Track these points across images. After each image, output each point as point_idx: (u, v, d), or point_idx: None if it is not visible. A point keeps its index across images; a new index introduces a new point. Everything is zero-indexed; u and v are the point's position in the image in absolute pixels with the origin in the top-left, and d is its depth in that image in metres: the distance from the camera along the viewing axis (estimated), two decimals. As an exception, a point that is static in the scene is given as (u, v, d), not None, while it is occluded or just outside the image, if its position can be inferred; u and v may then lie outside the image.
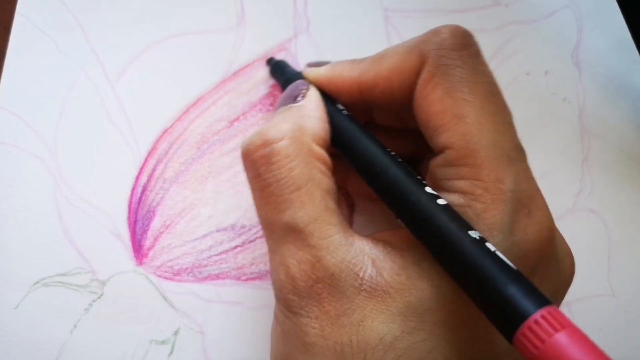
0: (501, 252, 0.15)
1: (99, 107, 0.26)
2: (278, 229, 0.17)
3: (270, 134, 0.17)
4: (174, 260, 0.25)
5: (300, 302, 0.16)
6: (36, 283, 0.23)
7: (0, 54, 0.26)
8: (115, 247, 0.24)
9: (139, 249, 0.24)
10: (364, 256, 0.16)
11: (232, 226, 0.25)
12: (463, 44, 0.17)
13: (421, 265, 0.16)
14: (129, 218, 0.25)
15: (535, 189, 0.17)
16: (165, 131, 0.26)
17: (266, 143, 0.17)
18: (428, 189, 0.16)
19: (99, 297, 0.24)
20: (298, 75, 0.22)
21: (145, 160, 0.25)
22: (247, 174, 0.18)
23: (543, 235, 0.17)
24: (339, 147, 0.19)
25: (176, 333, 0.24)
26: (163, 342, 0.24)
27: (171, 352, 0.23)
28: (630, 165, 0.29)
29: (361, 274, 0.16)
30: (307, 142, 0.18)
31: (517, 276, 0.14)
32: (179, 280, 0.24)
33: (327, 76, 0.21)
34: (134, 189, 0.25)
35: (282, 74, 0.24)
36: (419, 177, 0.17)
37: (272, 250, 0.17)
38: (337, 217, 0.17)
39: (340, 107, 0.20)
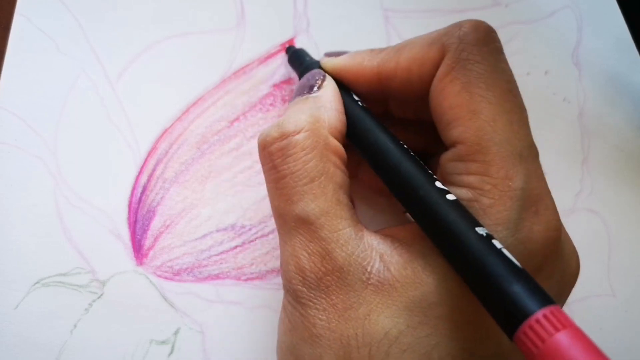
0: (506, 249, 0.15)
1: (99, 107, 0.26)
2: (290, 220, 0.17)
3: (288, 126, 0.18)
4: (174, 260, 0.25)
5: (309, 293, 0.16)
6: (36, 283, 0.23)
7: (0, 53, 0.26)
8: (115, 247, 0.24)
9: (139, 249, 0.24)
10: (372, 251, 0.17)
11: (232, 226, 0.25)
12: (485, 40, 0.17)
13: (427, 260, 0.16)
14: (129, 218, 0.25)
15: (544, 188, 0.17)
16: (165, 131, 0.26)
17: (283, 135, 0.17)
18: (438, 184, 0.17)
19: (99, 297, 0.24)
20: (316, 64, 0.22)
21: (145, 160, 0.25)
22: (263, 165, 0.18)
23: (549, 234, 0.17)
24: (353, 138, 0.19)
25: (176, 333, 0.24)
26: (163, 342, 0.24)
27: (171, 352, 0.23)
28: (631, 165, 0.29)
29: (369, 268, 0.16)
30: (324, 135, 0.18)
31: (522, 274, 0.14)
32: (179, 280, 0.24)
33: (345, 65, 0.21)
34: (134, 189, 0.25)
35: (300, 62, 0.24)
36: (430, 172, 0.17)
37: (284, 241, 0.18)
38: (348, 211, 0.17)
39: (356, 98, 0.20)
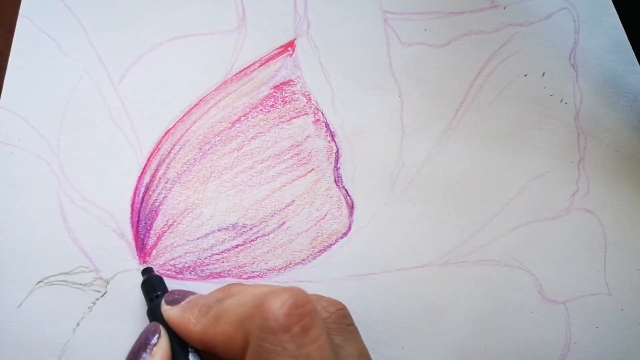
0: None
1: (101, 108, 0.26)
2: None
3: None
4: (176, 259, 0.25)
5: None
6: (40, 282, 0.24)
7: (4, 55, 0.26)
8: (119, 246, 0.24)
9: (142, 248, 0.25)
10: None
11: (234, 225, 0.26)
12: (286, 326, 0.16)
13: None
14: (132, 217, 0.25)
15: None
16: (167, 132, 0.26)
17: None
18: None
19: (102, 296, 0.24)
20: (157, 307, 0.21)
21: (148, 161, 0.26)
22: None
23: None
24: None
25: (178, 331, 0.24)
26: (166, 340, 0.24)
27: (173, 350, 0.24)
28: (627, 165, 0.29)
29: None
30: None
31: None
32: (182, 279, 0.25)
33: (176, 322, 0.20)
34: (136, 189, 0.25)
35: (148, 295, 0.23)
36: None
37: None
38: None
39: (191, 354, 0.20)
